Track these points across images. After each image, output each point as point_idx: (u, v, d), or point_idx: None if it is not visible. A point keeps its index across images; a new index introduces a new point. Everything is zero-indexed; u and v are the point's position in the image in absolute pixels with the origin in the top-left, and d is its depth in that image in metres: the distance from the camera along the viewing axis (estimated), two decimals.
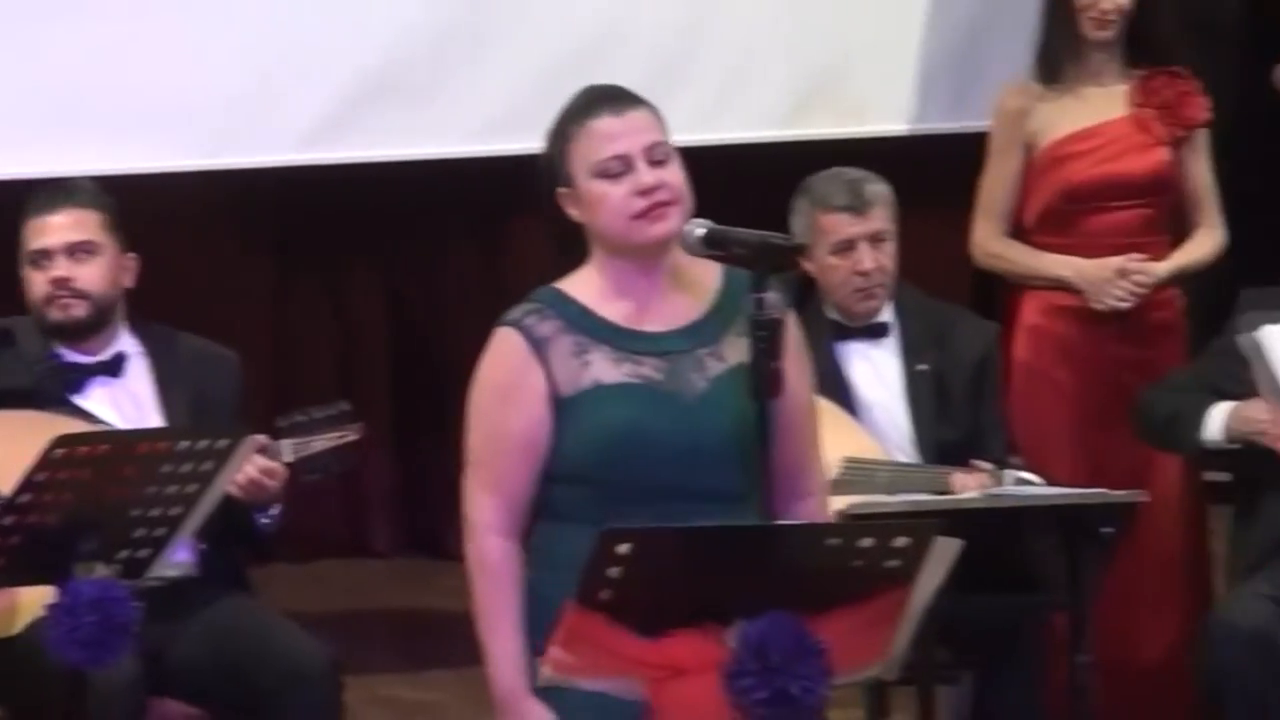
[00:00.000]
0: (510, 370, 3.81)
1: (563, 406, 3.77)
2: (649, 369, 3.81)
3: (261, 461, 4.97)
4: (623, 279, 3.86)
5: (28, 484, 4.38)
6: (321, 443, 5.22)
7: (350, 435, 5.33)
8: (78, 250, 5.20)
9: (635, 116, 3.93)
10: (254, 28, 7.60)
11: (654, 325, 3.84)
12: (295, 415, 5.23)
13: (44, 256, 5.23)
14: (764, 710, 3.38)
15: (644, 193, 3.75)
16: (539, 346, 3.78)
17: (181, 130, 7.34)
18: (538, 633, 3.57)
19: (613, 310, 3.83)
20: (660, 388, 3.82)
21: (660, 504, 3.71)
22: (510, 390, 3.80)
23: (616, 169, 3.74)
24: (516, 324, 3.79)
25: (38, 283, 5.20)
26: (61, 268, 5.17)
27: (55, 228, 5.49)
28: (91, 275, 5.21)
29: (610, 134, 3.85)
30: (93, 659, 4.40)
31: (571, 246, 3.95)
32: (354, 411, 5.44)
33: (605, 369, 3.79)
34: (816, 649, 3.38)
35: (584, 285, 3.89)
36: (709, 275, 3.91)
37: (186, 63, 7.50)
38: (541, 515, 3.81)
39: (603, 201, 3.79)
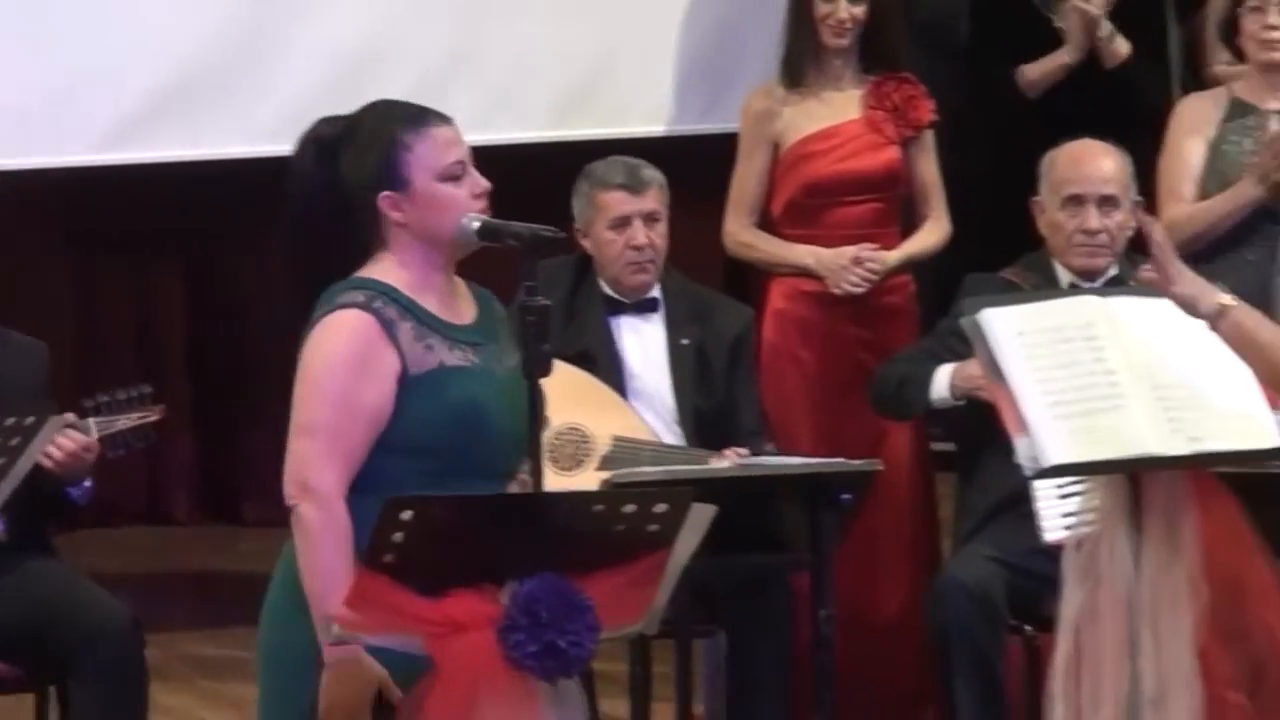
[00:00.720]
0: (366, 346, 3.78)
1: (409, 384, 3.78)
2: (473, 355, 3.87)
3: (79, 437, 4.98)
4: (430, 277, 3.90)
5: None
6: (125, 421, 5.24)
7: (151, 415, 5.35)
8: None
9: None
10: (52, 31, 7.43)
11: (458, 319, 3.90)
12: (101, 397, 5.22)
13: None
14: (534, 663, 3.46)
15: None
16: (389, 328, 3.78)
17: None
18: None
19: (428, 303, 3.87)
20: (487, 372, 3.89)
21: (493, 479, 3.80)
22: (365, 365, 3.78)
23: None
24: (365, 307, 3.78)
25: None
26: None
27: None
28: None
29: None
30: None
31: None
32: (154, 393, 5.43)
33: (444, 353, 3.82)
34: (583, 606, 3.48)
35: (395, 280, 3.92)
36: (461, 284, 4.05)
37: None
38: (360, 489, 3.77)
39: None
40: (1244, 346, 4.15)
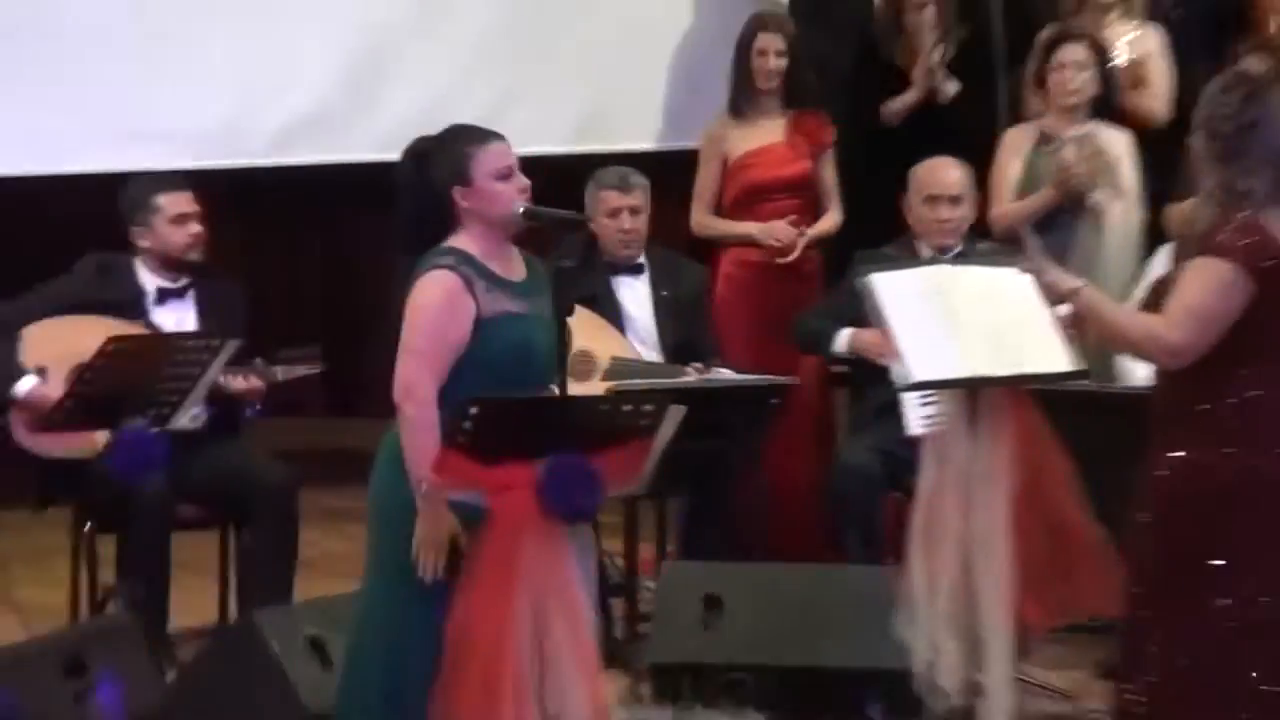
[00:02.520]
0: (452, 295, 3.78)
1: (482, 324, 3.79)
2: (525, 303, 3.90)
3: (255, 382, 4.95)
4: (492, 247, 3.92)
5: (92, 362, 4.58)
6: (303, 369, 5.20)
7: (315, 368, 5.31)
8: None
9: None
10: (230, 66, 7.08)
11: (514, 277, 3.94)
12: (289, 351, 5.17)
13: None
14: (560, 513, 3.56)
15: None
16: (468, 283, 3.81)
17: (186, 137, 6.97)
18: None
19: (492, 266, 3.89)
20: (535, 315, 3.91)
21: (533, 389, 3.85)
22: (452, 308, 3.78)
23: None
24: (452, 268, 3.79)
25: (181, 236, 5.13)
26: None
27: None
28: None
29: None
30: (136, 478, 4.64)
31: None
32: (320, 351, 5.39)
33: (506, 302, 3.84)
34: (595, 474, 3.59)
35: (469, 249, 3.93)
36: (515, 251, 4.06)
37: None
38: (444, 395, 3.80)
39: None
40: (1091, 318, 4.09)
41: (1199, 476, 3.65)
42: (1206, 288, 3.57)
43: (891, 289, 4.25)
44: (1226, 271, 3.52)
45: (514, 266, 3.93)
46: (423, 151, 4.06)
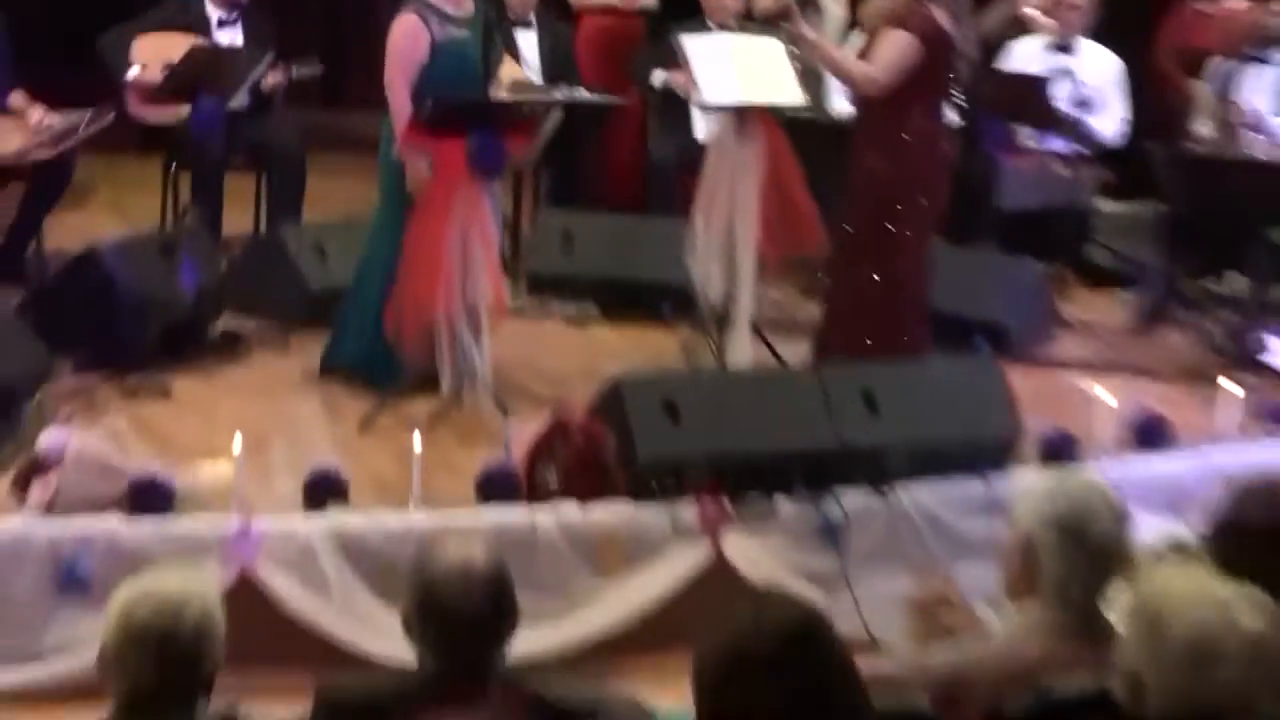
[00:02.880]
0: (413, 31, 4.57)
1: (435, 47, 4.51)
2: (467, 33, 4.59)
3: (279, 78, 5.84)
4: None
5: (182, 60, 5.45)
6: (308, 70, 6.18)
7: (318, 69, 6.24)
8: None
9: None
10: None
11: (462, 13, 4.55)
12: (301, 59, 6.07)
13: None
14: (481, 169, 4.44)
15: None
16: (424, 19, 4.52)
17: None
18: None
19: (444, 6, 4.55)
20: (471, 39, 4.63)
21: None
22: (413, 41, 4.58)
23: None
24: (415, 10, 4.55)
25: None
26: None
27: None
28: None
29: None
30: (205, 135, 5.58)
31: None
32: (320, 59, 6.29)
33: (453, 31, 4.55)
34: (503, 147, 4.49)
35: None
36: None
37: None
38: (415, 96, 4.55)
39: None
40: (826, 61, 4.82)
41: (882, 173, 4.55)
42: (897, 46, 4.34)
43: (694, 44, 4.97)
44: (907, 37, 4.33)
45: (464, 5, 4.52)
46: None
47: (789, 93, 4.93)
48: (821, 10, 6.27)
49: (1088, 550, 2.52)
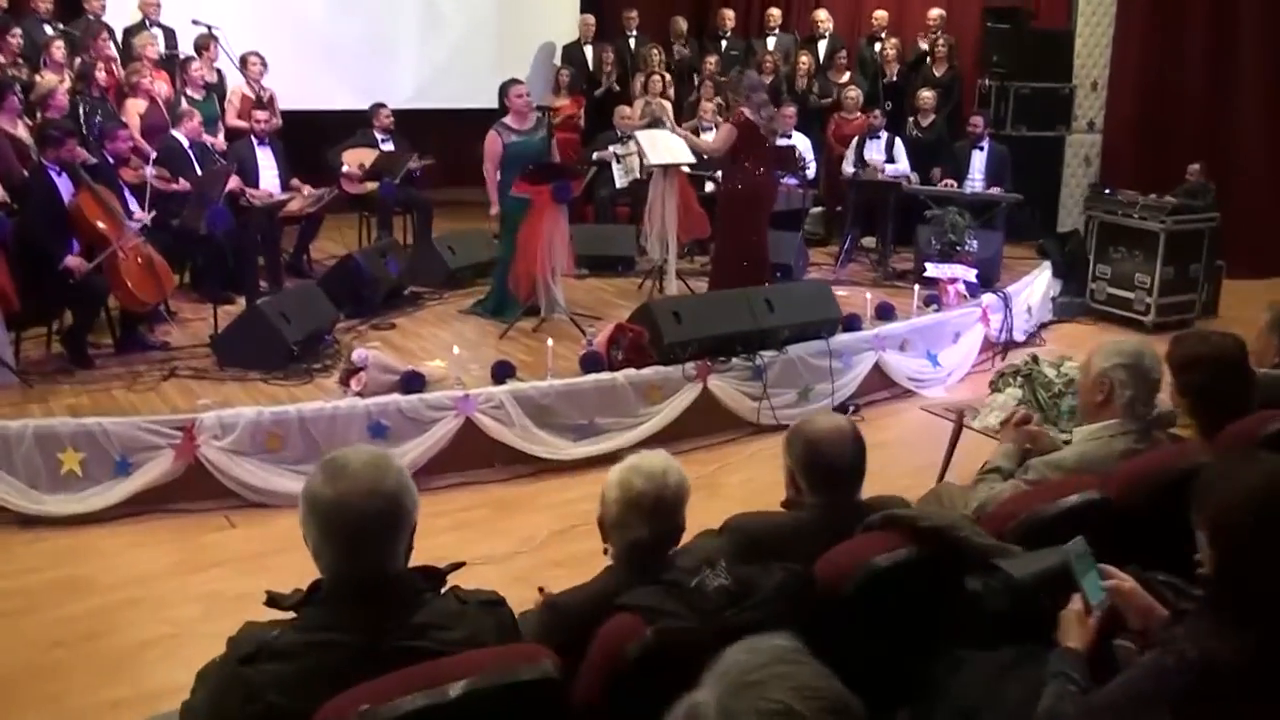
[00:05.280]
0: (495, 138, 6.34)
1: (507, 146, 6.27)
2: (529, 135, 6.27)
3: (418, 162, 7.55)
4: (518, 117, 6.36)
5: (375, 160, 7.33)
6: (427, 160, 7.89)
7: (431, 160, 7.95)
8: None
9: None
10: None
11: (525, 125, 6.25)
12: (422, 155, 8.01)
13: None
14: (560, 199, 5.89)
15: None
16: (500, 132, 6.32)
17: None
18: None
19: (514, 123, 6.16)
20: (532, 141, 6.33)
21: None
22: (495, 143, 6.35)
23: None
24: (495, 127, 6.31)
25: None
26: None
27: None
28: None
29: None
30: (387, 196, 7.49)
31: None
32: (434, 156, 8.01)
33: (515, 138, 6.28)
34: (570, 186, 6.17)
35: (509, 119, 6.36)
36: (530, 115, 6.21)
37: None
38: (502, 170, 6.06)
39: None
40: (689, 141, 6.55)
41: (733, 193, 6.61)
42: (725, 133, 6.40)
43: (642, 135, 7.32)
44: (729, 128, 6.36)
45: (526, 121, 6.38)
46: (503, 85, 6.85)
47: (687, 156, 7.32)
48: (663, 118, 8.88)
49: (1146, 380, 2.87)
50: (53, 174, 5.64)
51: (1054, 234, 9.38)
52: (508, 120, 6.59)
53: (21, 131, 6.39)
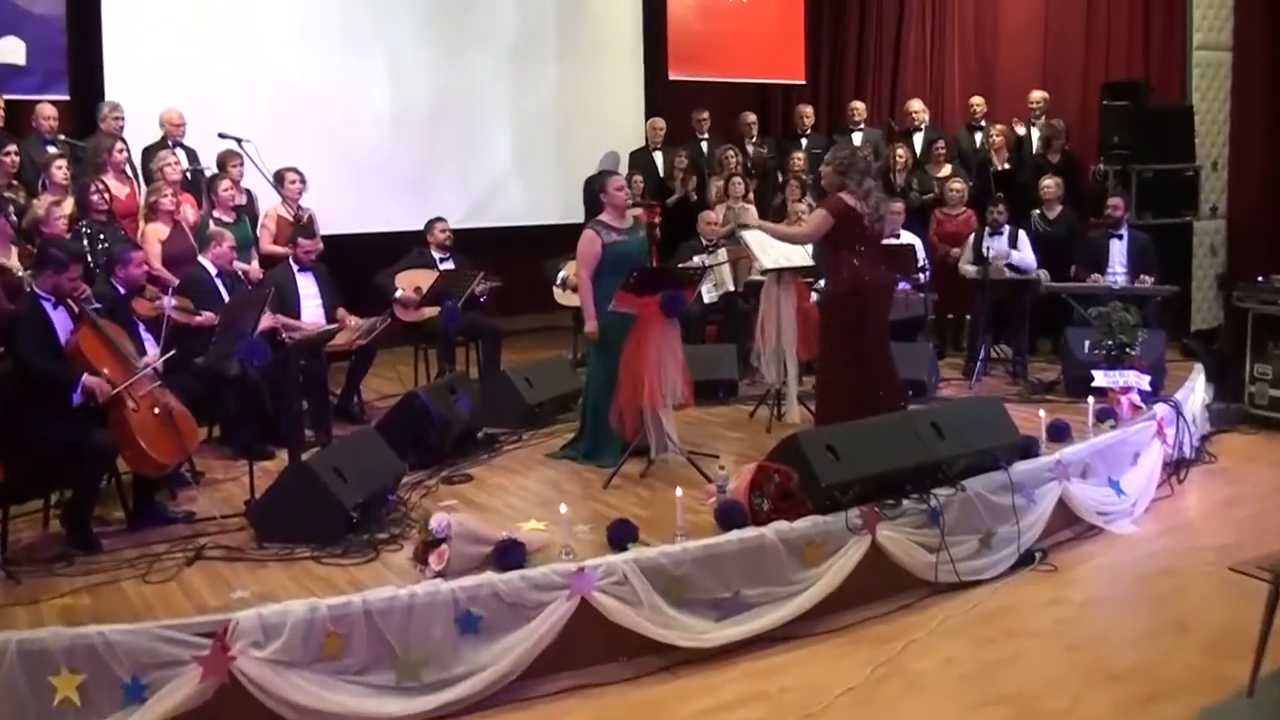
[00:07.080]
0: (592, 240, 5.45)
1: (605, 247, 5.43)
2: (626, 237, 5.50)
3: (484, 284, 6.72)
4: (613, 215, 5.51)
5: (432, 284, 6.78)
6: (491, 283, 7.16)
7: (498, 282, 7.18)
8: None
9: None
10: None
11: (623, 225, 5.45)
12: (487, 277, 6.93)
13: None
14: (670, 312, 5.14)
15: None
16: (600, 232, 5.44)
17: None
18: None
19: (612, 221, 5.39)
20: (631, 241, 5.54)
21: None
22: (591, 246, 5.45)
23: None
24: (592, 226, 5.42)
25: None
26: None
27: None
28: None
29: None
30: (451, 322, 6.63)
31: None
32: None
33: (616, 237, 5.44)
34: (682, 297, 5.31)
35: (605, 216, 5.51)
36: (628, 214, 5.38)
37: None
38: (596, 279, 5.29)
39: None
40: (775, 234, 5.70)
41: (838, 295, 5.45)
42: (818, 219, 5.41)
43: (750, 235, 6.31)
44: (823, 213, 5.37)
45: (625, 220, 5.51)
46: (593, 180, 6.05)
47: (804, 259, 6.54)
48: (741, 211, 8.09)
49: None
50: (47, 306, 4.64)
51: (1190, 331, 8.55)
52: (605, 218, 5.61)
53: (13, 261, 5.56)
